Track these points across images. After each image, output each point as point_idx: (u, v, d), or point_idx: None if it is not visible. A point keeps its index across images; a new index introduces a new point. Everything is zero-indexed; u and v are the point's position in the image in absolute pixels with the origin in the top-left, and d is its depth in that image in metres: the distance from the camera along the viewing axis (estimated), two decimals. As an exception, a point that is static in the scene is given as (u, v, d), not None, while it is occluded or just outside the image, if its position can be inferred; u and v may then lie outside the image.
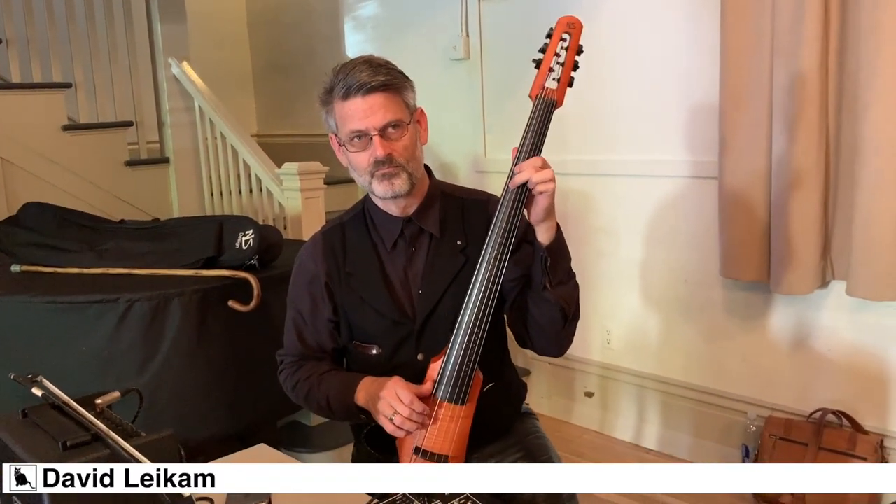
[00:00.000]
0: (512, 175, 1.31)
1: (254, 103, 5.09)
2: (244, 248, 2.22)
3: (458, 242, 1.47)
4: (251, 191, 3.37)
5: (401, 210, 1.47)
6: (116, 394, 1.12)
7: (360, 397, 1.40)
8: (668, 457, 2.96)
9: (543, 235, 1.35)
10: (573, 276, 1.43)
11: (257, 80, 5.12)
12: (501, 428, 1.52)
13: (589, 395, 3.23)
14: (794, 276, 2.39)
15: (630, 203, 2.96)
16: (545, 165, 1.29)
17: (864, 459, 2.39)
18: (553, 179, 1.29)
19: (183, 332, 2.09)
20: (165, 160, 3.73)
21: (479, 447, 1.39)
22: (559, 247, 1.36)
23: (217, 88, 3.67)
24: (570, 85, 1.37)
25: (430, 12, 3.61)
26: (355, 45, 4.18)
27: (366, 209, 1.53)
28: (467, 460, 1.41)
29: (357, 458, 1.61)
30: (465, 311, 1.34)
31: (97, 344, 2.09)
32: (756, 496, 2.57)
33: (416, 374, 1.39)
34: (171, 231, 2.40)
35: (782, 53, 2.32)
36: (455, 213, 1.51)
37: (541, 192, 1.28)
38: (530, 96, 1.36)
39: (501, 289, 1.35)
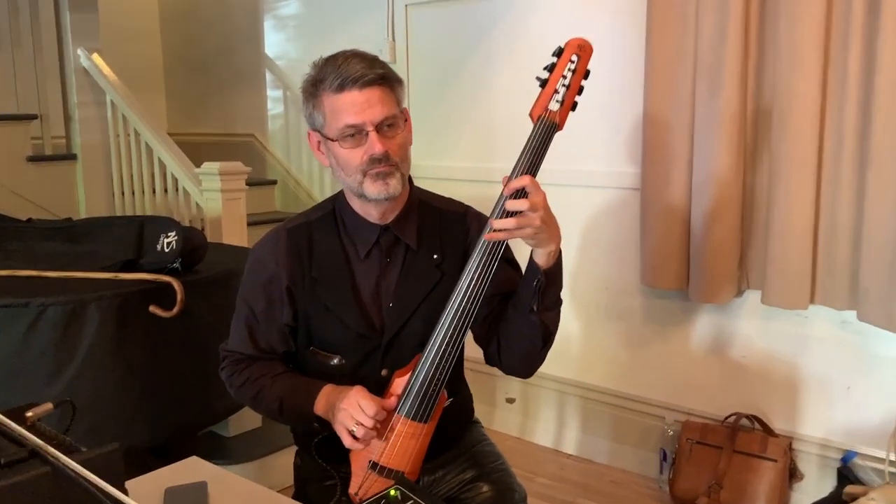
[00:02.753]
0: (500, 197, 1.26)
1: (164, 100, 4.90)
2: (166, 250, 2.12)
3: (435, 257, 1.42)
4: (166, 191, 3.23)
5: (380, 216, 1.40)
6: (49, 405, 1.04)
7: (320, 406, 1.34)
8: (587, 461, 3.01)
9: (541, 258, 1.30)
10: (561, 302, 1.39)
11: (169, 77, 4.93)
12: (451, 439, 1.49)
13: (510, 401, 3.25)
14: (713, 285, 2.49)
15: (554, 212, 2.99)
16: (533, 189, 1.21)
17: (775, 461, 2.50)
18: (529, 209, 1.19)
19: (100, 340, 1.97)
20: (72, 156, 3.54)
21: (428, 459, 1.36)
22: (555, 273, 1.32)
23: (126, 84, 3.51)
24: (573, 109, 1.34)
25: (356, 15, 3.57)
26: (276, 44, 4.09)
27: (337, 211, 1.45)
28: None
29: (302, 469, 1.54)
30: (439, 330, 1.30)
31: (4, 352, 1.94)
32: (674, 498, 2.65)
33: (378, 389, 1.34)
34: (87, 231, 2.26)
35: (705, 69, 2.41)
36: (432, 225, 1.46)
37: (504, 229, 1.22)
38: (531, 116, 1.33)
39: None
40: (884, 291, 2.15)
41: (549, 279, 1.30)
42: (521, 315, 1.35)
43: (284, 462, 2.78)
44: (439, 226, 1.45)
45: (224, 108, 4.44)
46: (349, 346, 1.39)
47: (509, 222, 1.21)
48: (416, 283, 1.40)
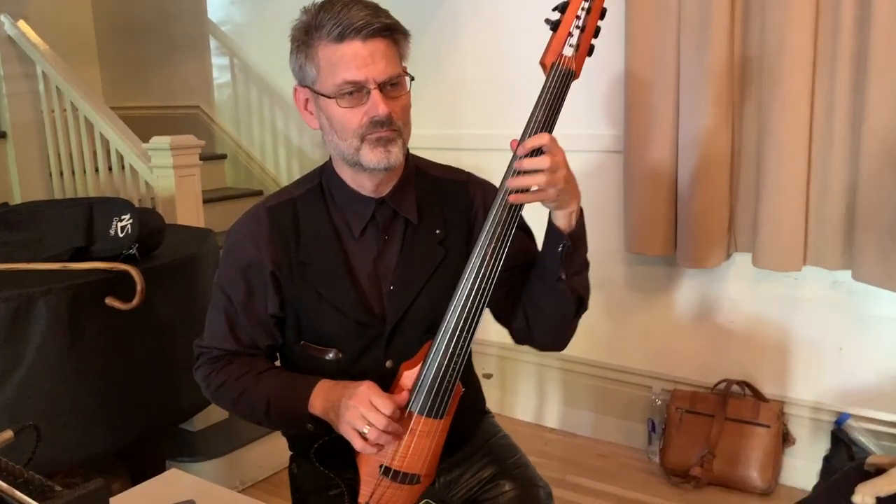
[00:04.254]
0: (514, 157, 1.12)
1: (98, 72, 4.56)
2: (121, 235, 1.90)
3: (437, 232, 1.26)
4: (110, 169, 2.97)
5: (374, 188, 1.24)
6: (9, 433, 0.86)
7: (317, 404, 1.17)
8: (571, 434, 2.93)
9: (562, 221, 1.16)
10: (588, 264, 1.26)
11: (102, 47, 4.58)
12: (466, 434, 1.35)
13: (487, 376, 3.13)
14: (702, 249, 2.39)
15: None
16: (550, 148, 1.09)
17: (768, 427, 2.44)
18: (551, 168, 1.08)
19: (51, 338, 1.76)
20: (1, 135, 3.23)
21: (442, 457, 1.21)
22: (580, 234, 1.18)
23: (57, 54, 3.21)
24: (590, 54, 1.19)
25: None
26: (220, 8, 3.83)
27: (324, 184, 1.28)
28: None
29: (299, 478, 1.37)
30: (451, 313, 1.14)
31: (-60, 356, 1.72)
32: (666, 469, 2.58)
33: (381, 384, 1.18)
34: (28, 217, 2.02)
35: (689, 25, 2.29)
36: (432, 195, 1.29)
37: (521, 186, 1.09)
38: (543, 63, 1.17)
39: None
40: (882, 250, 2.08)
41: (575, 242, 1.17)
42: (547, 285, 1.21)
43: (254, 456, 2.63)
44: (440, 197, 1.30)
45: (165, 78, 4.15)
46: (346, 336, 1.23)
47: (537, 178, 1.07)
48: (419, 261, 1.25)
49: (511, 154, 1.13)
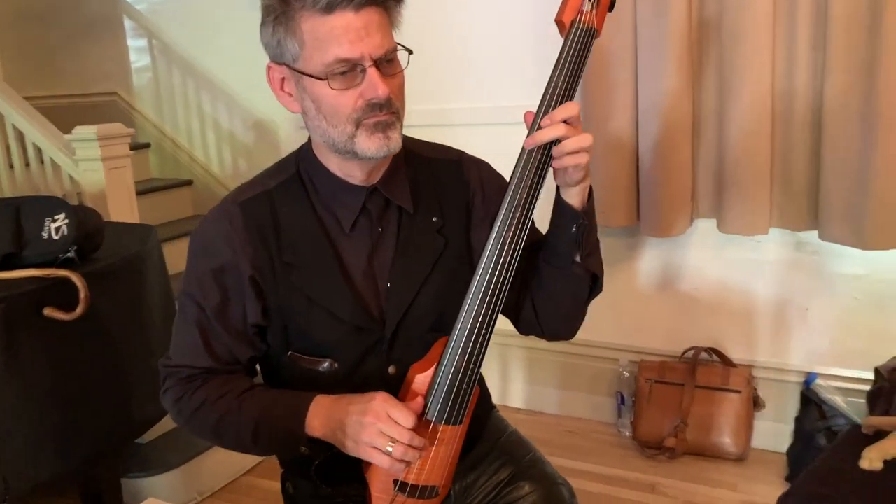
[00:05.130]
0: (536, 129, 1.01)
1: (-1, 60, 4.19)
2: (56, 237, 1.70)
3: (434, 219, 1.14)
4: (28, 164, 2.70)
5: (365, 176, 1.10)
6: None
7: (316, 425, 1.03)
8: (537, 413, 2.87)
9: (577, 198, 1.06)
10: (599, 242, 1.17)
11: (1, 33, 4.21)
12: (476, 434, 1.24)
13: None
14: (667, 217, 2.35)
15: (484, 154, 2.74)
16: (578, 120, 1.00)
17: (738, 392, 2.43)
18: (590, 148, 1.00)
19: (-16, 357, 1.56)
20: None
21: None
22: (593, 210, 1.09)
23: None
24: (611, 9, 1.07)
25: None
26: (135, -14, 3.55)
27: (303, 173, 1.13)
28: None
29: (295, 496, 1.23)
30: (469, 307, 1.03)
31: None
32: (639, 442, 2.55)
33: (387, 391, 1.08)
34: (-58, 223, 1.79)
35: (646, -14, 2.22)
36: (426, 180, 1.16)
37: (572, 165, 1.00)
38: (560, 22, 1.05)
39: None
40: (848, 208, 2.07)
41: (590, 219, 1.08)
42: (560, 270, 1.11)
43: (211, 464, 2.46)
44: (434, 180, 1.17)
45: (76, 64, 3.84)
46: (343, 344, 1.10)
47: (581, 158, 0.99)
48: (417, 254, 1.12)
49: (524, 129, 1.02)
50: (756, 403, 2.47)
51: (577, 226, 1.06)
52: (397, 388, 1.07)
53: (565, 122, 0.99)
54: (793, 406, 2.42)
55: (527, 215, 1.03)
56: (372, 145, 1.02)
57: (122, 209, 2.43)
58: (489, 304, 1.02)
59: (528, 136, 1.02)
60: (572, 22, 1.03)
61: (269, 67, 1.07)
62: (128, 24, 3.59)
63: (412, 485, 1.05)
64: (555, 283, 1.13)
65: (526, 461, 1.25)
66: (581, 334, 2.75)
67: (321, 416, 1.03)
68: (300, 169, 1.13)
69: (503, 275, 1.02)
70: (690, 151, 2.31)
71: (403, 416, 0.96)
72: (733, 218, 2.26)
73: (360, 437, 0.97)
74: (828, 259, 2.30)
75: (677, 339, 2.58)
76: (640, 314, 2.62)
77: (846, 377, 2.32)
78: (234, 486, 2.50)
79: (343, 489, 1.13)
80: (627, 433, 2.64)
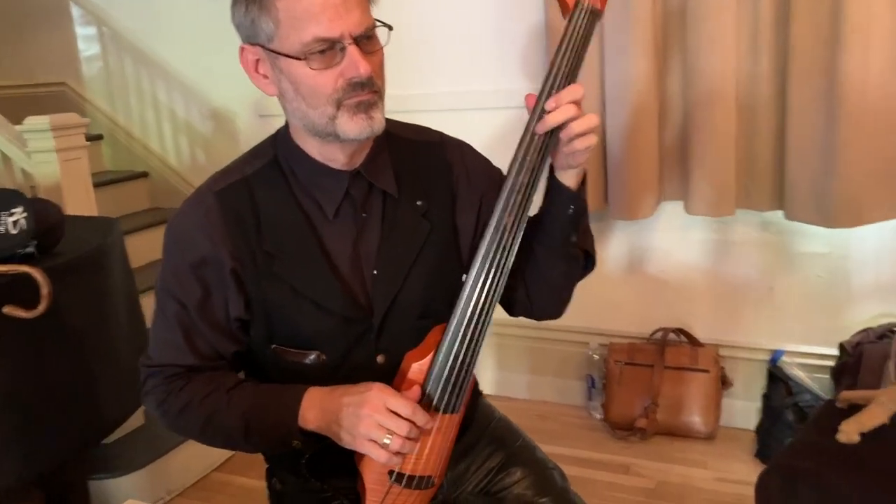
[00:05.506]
0: (542, 114, 0.99)
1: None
2: (14, 231, 1.63)
3: (419, 203, 1.11)
4: (-25, 159, 2.59)
5: (347, 159, 1.06)
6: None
7: (311, 418, 1.00)
8: (507, 399, 2.87)
9: (573, 179, 1.05)
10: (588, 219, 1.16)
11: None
12: (467, 421, 1.21)
13: (415, 349, 3.02)
14: (634, 201, 2.36)
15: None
16: (581, 102, 0.99)
17: (707, 372, 2.47)
18: (597, 128, 0.99)
19: (-59, 359, 1.49)
20: None
21: (446, 449, 1.09)
22: (584, 190, 1.08)
23: None
24: None
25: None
26: (82, -30, 3.42)
27: (281, 159, 1.09)
28: None
29: (285, 495, 1.19)
30: (468, 295, 1.01)
31: None
32: (610, 424, 2.57)
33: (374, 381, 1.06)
34: None
35: (611, -31, 2.21)
36: (408, 162, 1.13)
37: (582, 148, 0.99)
38: (563, 2, 1.02)
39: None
40: (814, 187, 2.11)
41: (584, 200, 1.08)
42: (554, 251, 1.11)
43: (179, 462, 2.40)
44: (417, 163, 1.14)
45: (21, 53, 3.69)
46: (330, 335, 1.06)
47: (590, 140, 0.99)
48: (404, 239, 1.09)
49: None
50: (724, 382, 2.50)
51: (574, 207, 1.05)
52: (386, 377, 1.05)
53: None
54: (760, 383, 2.47)
55: (528, 200, 1.01)
56: (354, 126, 0.98)
57: (80, 202, 2.34)
58: (489, 289, 1.01)
59: (531, 119, 1.00)
60: (576, 3, 1.01)
61: (242, 49, 1.03)
62: (75, 10, 3.46)
63: (408, 475, 1.03)
64: (549, 264, 1.12)
65: (516, 447, 1.24)
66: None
67: (315, 408, 1.00)
68: (278, 154, 1.09)
69: (503, 260, 1.01)
70: (657, 134, 2.32)
71: (402, 406, 0.94)
72: (700, 200, 2.28)
73: (356, 430, 0.95)
74: (792, 238, 2.34)
75: (645, 321, 2.60)
76: (608, 297, 2.63)
77: (812, 353, 2.36)
78: (205, 483, 2.45)
79: (334, 483, 1.10)
80: (598, 416, 2.66)
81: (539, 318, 1.21)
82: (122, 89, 3.44)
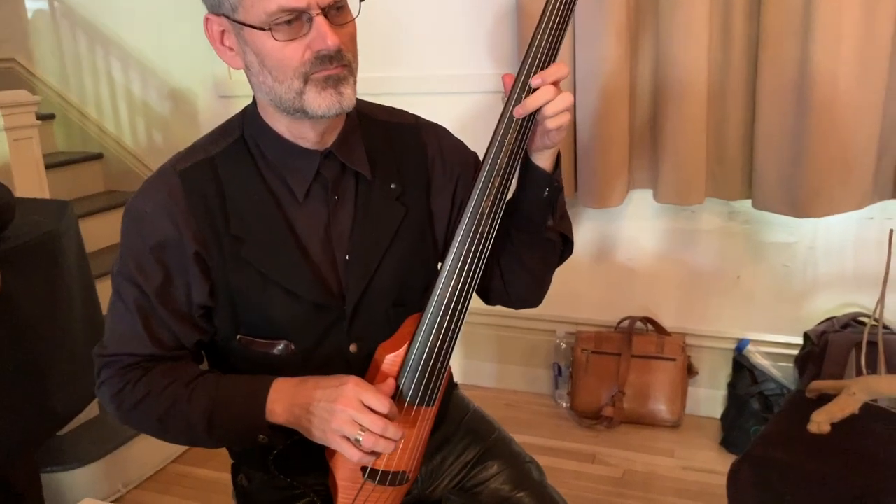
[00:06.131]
0: (527, 91, 0.95)
1: None
2: (-41, 215, 1.54)
3: (393, 186, 1.06)
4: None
5: (318, 138, 1.01)
6: None
7: (279, 411, 0.95)
8: (474, 387, 2.85)
9: (548, 161, 1.01)
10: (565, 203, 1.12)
11: None
12: (441, 413, 1.17)
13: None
14: (604, 189, 2.34)
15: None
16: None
17: (673, 360, 2.47)
18: (571, 107, 0.97)
19: None
20: None
21: (422, 445, 1.05)
22: (560, 172, 1.04)
23: None
24: None
25: None
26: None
27: (248, 138, 1.03)
28: None
29: (252, 492, 1.13)
30: (444, 283, 0.97)
31: None
32: (577, 412, 2.56)
33: (347, 373, 0.99)
34: None
35: (584, -47, 2.18)
36: (382, 144, 1.08)
37: (556, 128, 0.95)
38: None
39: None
40: (782, 177, 2.11)
41: (559, 182, 1.04)
42: (530, 236, 1.07)
43: (136, 453, 2.32)
44: (390, 145, 1.10)
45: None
46: (300, 323, 1.01)
47: (566, 118, 0.96)
48: (377, 223, 1.05)
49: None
50: (690, 371, 2.51)
51: (549, 189, 1.02)
52: (359, 367, 1.01)
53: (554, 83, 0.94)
54: (725, 372, 2.48)
55: (506, 184, 0.97)
56: (323, 102, 0.93)
57: (30, 184, 2.24)
58: (466, 277, 0.97)
59: (510, 99, 0.96)
60: None
61: (206, 19, 0.97)
62: (25, -17, 3.32)
63: (382, 471, 0.99)
64: (526, 249, 1.09)
65: (492, 440, 1.20)
66: (518, 307, 2.74)
67: (283, 400, 0.95)
68: (245, 133, 1.04)
69: (480, 246, 0.97)
70: (627, 122, 2.30)
71: (377, 402, 0.89)
72: (669, 188, 2.27)
73: (328, 425, 0.90)
74: (759, 228, 2.34)
75: (613, 310, 2.60)
76: (576, 286, 2.62)
77: (777, 342, 2.38)
78: (162, 475, 2.38)
79: (304, 479, 1.06)
80: (565, 404, 2.65)
81: (517, 307, 1.17)
82: (75, 67, 3.31)
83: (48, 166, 2.76)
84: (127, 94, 3.22)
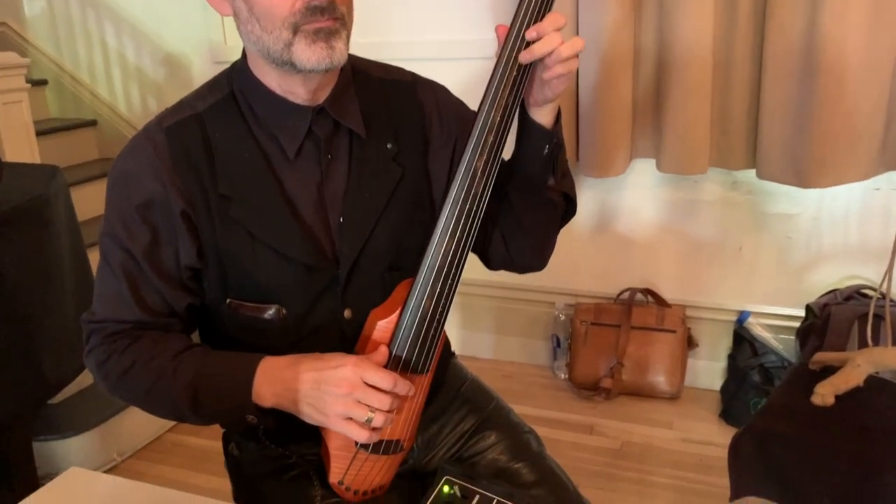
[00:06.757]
0: (524, 44, 0.90)
1: None
2: (-56, 178, 1.50)
3: (389, 146, 1.02)
4: None
5: (309, 94, 0.96)
6: None
7: (267, 394, 0.91)
8: (471, 359, 2.83)
9: (549, 116, 0.97)
10: (567, 161, 1.07)
11: None
12: (438, 382, 1.15)
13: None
14: (606, 158, 2.30)
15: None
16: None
17: (673, 332, 2.44)
18: (580, 52, 0.91)
19: None
20: None
21: (419, 413, 1.02)
22: (561, 128, 1.00)
23: None
24: None
25: None
26: None
27: (237, 93, 0.99)
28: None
29: (243, 461, 1.11)
30: (437, 246, 0.93)
31: None
32: (575, 384, 2.54)
33: (341, 339, 0.97)
34: None
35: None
36: (377, 102, 1.04)
37: (565, 73, 0.90)
38: None
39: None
40: (787, 146, 2.07)
41: (560, 138, 1.00)
42: (531, 196, 1.03)
43: (131, 422, 2.30)
44: (386, 103, 1.05)
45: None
46: (292, 287, 0.98)
47: (573, 64, 0.90)
48: (372, 184, 1.01)
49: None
50: (690, 343, 2.49)
51: (549, 146, 0.98)
52: (353, 333, 0.97)
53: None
54: (725, 344, 2.46)
55: (501, 141, 0.93)
56: (312, 56, 0.88)
57: (20, 149, 2.19)
58: (459, 239, 0.93)
59: (504, 51, 0.91)
60: None
61: None
62: (15, -56, 3.24)
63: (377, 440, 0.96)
64: (527, 210, 1.04)
65: (490, 410, 1.17)
66: (516, 278, 2.73)
67: (272, 383, 0.91)
68: (234, 88, 0.99)
69: (475, 207, 0.93)
70: (630, 90, 2.25)
71: (381, 379, 0.86)
72: (672, 157, 2.23)
73: (330, 409, 0.87)
74: (762, 198, 2.31)
75: (613, 281, 2.57)
76: (575, 257, 2.59)
77: (778, 315, 2.35)
78: (158, 444, 2.37)
79: (295, 449, 1.03)
80: (563, 376, 2.63)
81: (521, 272, 1.14)
82: (68, 32, 3.24)
83: (41, 133, 2.72)
84: (120, 60, 3.16)
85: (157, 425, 2.39)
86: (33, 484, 1.84)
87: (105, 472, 2.13)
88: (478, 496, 0.79)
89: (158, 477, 2.18)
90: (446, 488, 0.79)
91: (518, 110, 0.95)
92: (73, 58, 3.27)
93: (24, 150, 2.21)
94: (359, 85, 1.04)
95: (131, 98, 3.20)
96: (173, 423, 2.42)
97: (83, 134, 3.21)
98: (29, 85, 2.25)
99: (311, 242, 0.97)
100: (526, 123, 0.99)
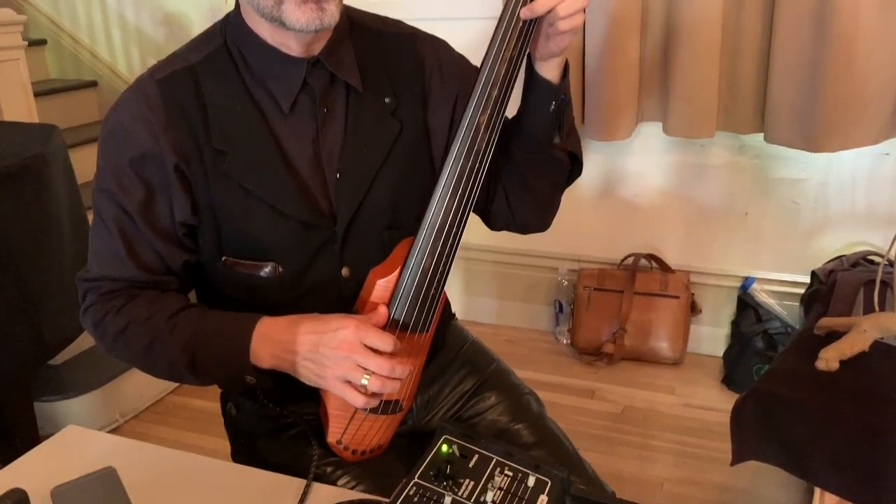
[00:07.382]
0: None
1: None
2: (-61, 135, 1.48)
3: (387, 100, 0.99)
4: None
5: (304, 47, 0.94)
6: None
7: (265, 355, 0.90)
8: (473, 323, 2.82)
9: (554, 72, 0.93)
10: (574, 119, 1.05)
11: None
12: (438, 342, 1.13)
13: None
14: (612, 121, 2.26)
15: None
16: None
17: (676, 298, 2.43)
18: (586, 5, 0.88)
19: None
20: None
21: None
22: (568, 85, 0.97)
23: None
24: None
25: None
26: None
27: (231, 45, 0.96)
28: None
29: (240, 420, 1.10)
30: (438, 204, 0.91)
31: None
32: (577, 349, 2.54)
33: (339, 298, 0.96)
34: None
35: None
36: (375, 54, 1.01)
37: (570, 28, 0.87)
38: None
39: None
40: (796, 110, 2.03)
41: (567, 94, 0.97)
42: (536, 154, 1.00)
43: (132, 384, 2.30)
44: (385, 56, 1.02)
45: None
46: (288, 244, 0.96)
47: (579, 19, 0.87)
48: (370, 140, 0.98)
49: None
50: (693, 309, 2.48)
51: (556, 102, 0.95)
52: (351, 292, 0.96)
53: None
54: (729, 310, 2.44)
55: (505, 96, 0.90)
56: (302, 16, 0.86)
57: (17, 109, 2.16)
58: (461, 196, 0.91)
59: (508, 2, 0.88)
60: None
61: None
62: None
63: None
64: (532, 169, 1.02)
65: (490, 371, 1.16)
66: (519, 243, 2.71)
67: (270, 344, 0.90)
68: (227, 40, 0.97)
69: (477, 163, 0.90)
70: (638, 51, 2.21)
71: (381, 341, 0.84)
72: (680, 120, 2.19)
73: (328, 371, 0.86)
74: (770, 163, 2.27)
75: (617, 246, 2.55)
76: (579, 221, 2.56)
77: (783, 281, 2.34)
78: (160, 405, 2.37)
79: (293, 408, 1.02)
80: (565, 341, 2.62)
81: (523, 231, 1.12)
82: (66, -10, 3.19)
83: (40, 94, 2.68)
84: (120, 20, 3.11)
85: (160, 387, 2.40)
86: (34, 443, 1.85)
87: (108, 432, 2.14)
88: (477, 455, 0.78)
89: (160, 438, 2.19)
90: (445, 447, 0.78)
91: (524, 65, 0.92)
92: (73, 17, 3.22)
93: (22, 109, 2.18)
94: (356, 37, 1.01)
95: (131, 58, 3.16)
96: (175, 384, 2.43)
97: (83, 95, 3.17)
98: (26, 43, 2.21)
99: (306, 198, 0.95)
100: (532, 78, 0.96)
